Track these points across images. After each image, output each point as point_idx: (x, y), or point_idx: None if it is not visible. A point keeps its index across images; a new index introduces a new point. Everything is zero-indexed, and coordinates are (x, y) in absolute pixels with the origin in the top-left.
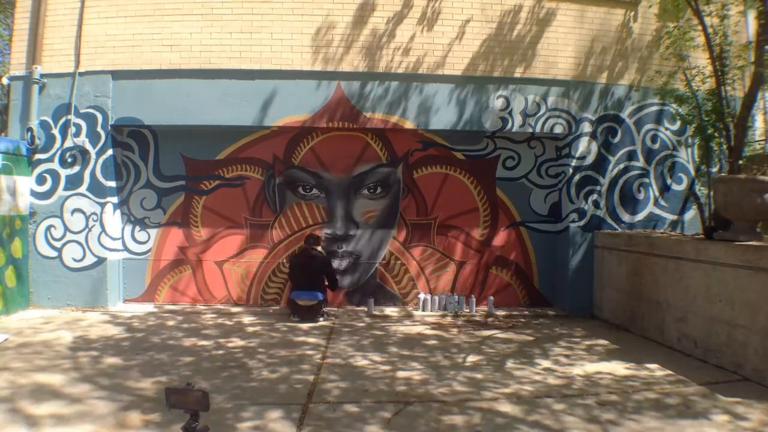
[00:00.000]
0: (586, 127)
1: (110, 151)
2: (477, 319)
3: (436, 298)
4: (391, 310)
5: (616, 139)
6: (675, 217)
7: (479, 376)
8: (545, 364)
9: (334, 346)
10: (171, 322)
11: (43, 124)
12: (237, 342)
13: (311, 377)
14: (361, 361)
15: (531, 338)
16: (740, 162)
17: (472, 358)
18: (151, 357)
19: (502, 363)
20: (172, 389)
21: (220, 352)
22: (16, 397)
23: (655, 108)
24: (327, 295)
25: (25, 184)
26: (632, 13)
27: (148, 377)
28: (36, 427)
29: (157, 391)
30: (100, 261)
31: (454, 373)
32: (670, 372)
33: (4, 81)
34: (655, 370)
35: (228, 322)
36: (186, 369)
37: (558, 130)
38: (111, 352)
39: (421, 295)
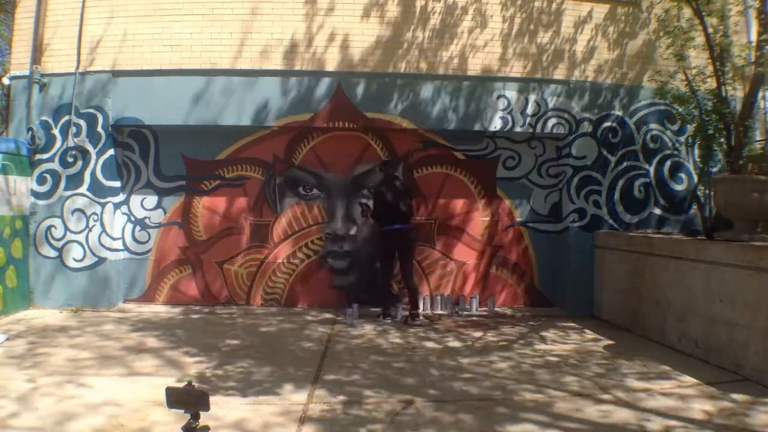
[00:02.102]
0: (587, 127)
1: (111, 151)
2: (476, 318)
3: (437, 297)
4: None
5: (617, 139)
6: (675, 217)
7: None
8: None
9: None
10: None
11: (44, 124)
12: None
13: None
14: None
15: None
16: (740, 162)
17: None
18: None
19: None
20: (172, 388)
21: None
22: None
23: (655, 108)
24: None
25: (26, 184)
26: (633, 13)
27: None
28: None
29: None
30: (101, 261)
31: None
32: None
33: (5, 81)
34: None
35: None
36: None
37: (558, 130)
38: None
39: (422, 295)
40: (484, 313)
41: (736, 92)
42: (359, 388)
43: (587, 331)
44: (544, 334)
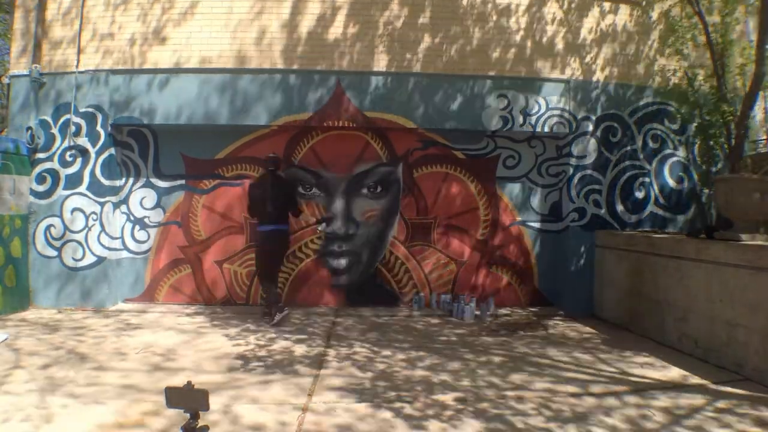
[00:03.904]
0: (587, 127)
1: (110, 151)
2: (476, 319)
3: (438, 297)
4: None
5: (617, 139)
6: (676, 217)
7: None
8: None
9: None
10: None
11: (43, 124)
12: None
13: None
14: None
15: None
16: (741, 161)
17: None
18: None
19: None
20: (172, 388)
21: None
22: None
23: (655, 107)
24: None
25: (25, 183)
26: (633, 12)
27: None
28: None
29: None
30: (100, 260)
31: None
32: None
33: (5, 80)
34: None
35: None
36: None
37: (558, 129)
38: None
39: (422, 295)
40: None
41: (737, 91)
42: None
43: (585, 328)
44: (541, 331)
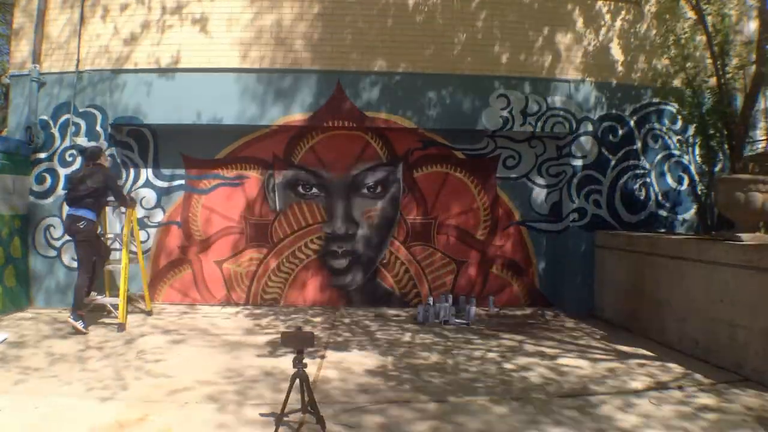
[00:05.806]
0: (587, 127)
1: (110, 151)
2: (476, 318)
3: (438, 297)
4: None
5: (617, 139)
6: (676, 217)
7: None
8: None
9: None
10: None
11: (43, 123)
12: None
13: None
14: None
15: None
16: (741, 162)
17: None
18: None
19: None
20: (285, 332)
21: None
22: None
23: (656, 107)
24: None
25: (24, 183)
26: (633, 12)
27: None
28: None
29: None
30: None
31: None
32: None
33: (5, 80)
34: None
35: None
36: None
37: (559, 129)
38: None
39: (423, 295)
40: (482, 312)
41: (737, 91)
42: None
43: (585, 327)
44: (539, 330)
